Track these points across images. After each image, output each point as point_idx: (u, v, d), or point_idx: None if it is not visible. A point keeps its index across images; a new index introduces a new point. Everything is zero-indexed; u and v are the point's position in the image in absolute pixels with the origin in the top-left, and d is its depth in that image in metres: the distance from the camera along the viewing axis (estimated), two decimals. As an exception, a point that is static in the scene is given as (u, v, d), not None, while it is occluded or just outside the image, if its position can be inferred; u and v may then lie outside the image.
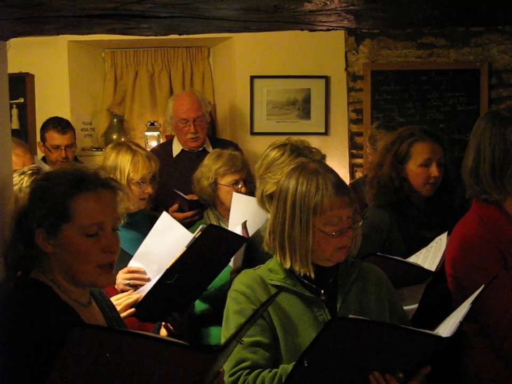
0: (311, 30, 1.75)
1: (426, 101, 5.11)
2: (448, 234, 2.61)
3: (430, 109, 5.13)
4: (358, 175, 5.01)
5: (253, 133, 5.07)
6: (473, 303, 1.84)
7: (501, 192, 2.30)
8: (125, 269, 2.62)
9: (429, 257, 2.62)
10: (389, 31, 5.00)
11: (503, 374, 2.27)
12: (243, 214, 2.89)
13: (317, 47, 4.92)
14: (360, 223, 2.06)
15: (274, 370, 1.91)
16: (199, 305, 2.94)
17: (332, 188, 1.96)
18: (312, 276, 2.00)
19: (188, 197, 3.65)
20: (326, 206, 1.96)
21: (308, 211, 1.97)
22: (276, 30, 1.79)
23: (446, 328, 1.79)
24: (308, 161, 2.13)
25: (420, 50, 5.10)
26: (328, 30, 1.71)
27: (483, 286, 1.90)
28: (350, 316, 1.77)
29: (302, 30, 1.76)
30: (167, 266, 2.34)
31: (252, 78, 5.01)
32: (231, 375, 1.92)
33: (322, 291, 2.03)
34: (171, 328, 2.51)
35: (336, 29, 1.78)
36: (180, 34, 1.74)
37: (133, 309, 2.39)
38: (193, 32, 1.72)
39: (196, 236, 2.35)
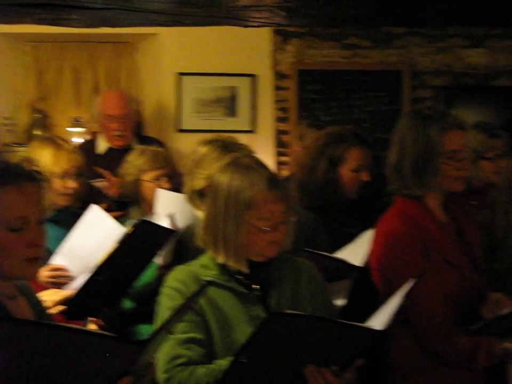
0: (244, 26, 1.76)
1: (350, 101, 5.21)
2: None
3: (354, 109, 5.23)
4: (284, 173, 5.06)
5: (179, 130, 5.05)
6: (405, 296, 1.89)
7: (422, 188, 2.38)
8: (47, 267, 2.56)
9: (354, 252, 2.68)
10: (315, 30, 5.07)
11: (427, 364, 2.34)
12: (168, 209, 2.88)
13: (244, 45, 4.94)
14: (293, 219, 2.08)
15: (209, 366, 1.91)
16: (126, 303, 2.92)
17: (265, 183, 1.98)
18: (246, 271, 2.02)
19: (114, 195, 3.61)
20: (259, 201, 1.97)
21: (241, 206, 1.97)
22: (209, 25, 1.80)
23: (379, 321, 1.83)
24: (241, 157, 2.14)
25: (345, 50, 5.19)
26: (260, 26, 1.73)
27: (415, 279, 1.95)
28: (287, 311, 1.79)
29: (235, 25, 1.77)
30: (98, 263, 2.31)
31: (179, 75, 4.99)
32: (165, 372, 1.91)
33: (255, 286, 2.05)
34: (101, 323, 2.48)
35: (269, 25, 1.80)
36: (112, 27, 1.72)
37: (63, 306, 2.35)
38: (126, 25, 1.71)
39: (129, 232, 2.33)
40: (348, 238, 2.91)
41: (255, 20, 1.46)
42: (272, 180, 2.01)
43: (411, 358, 2.37)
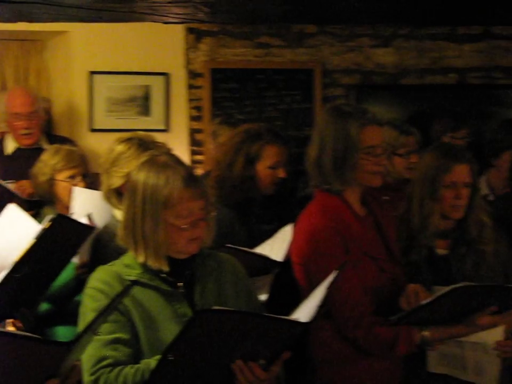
0: (164, 22, 1.75)
1: (263, 99, 5.25)
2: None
3: (267, 107, 5.27)
4: (199, 171, 5.05)
5: (92, 130, 4.95)
6: (328, 288, 1.92)
7: (342, 183, 2.42)
8: None
9: (274, 248, 2.70)
10: (228, 29, 5.08)
11: (349, 355, 2.39)
12: (85, 208, 2.83)
13: (157, 44, 4.90)
14: (213, 214, 2.08)
15: (136, 366, 1.88)
16: (42, 305, 2.85)
17: (182, 181, 1.96)
18: (166, 269, 2.00)
19: (24, 196, 3.52)
20: (176, 199, 1.95)
21: (158, 204, 1.95)
22: (129, 21, 1.77)
23: (304, 313, 1.85)
24: (158, 154, 2.12)
25: (257, 49, 5.22)
26: (182, 22, 1.71)
27: (337, 271, 1.98)
28: (215, 307, 1.79)
29: (156, 21, 1.75)
30: (16, 259, 2.24)
31: (90, 73, 4.89)
32: (91, 374, 1.87)
33: (180, 284, 2.03)
34: (19, 324, 2.40)
35: (191, 22, 1.79)
36: (30, 22, 1.67)
37: None
38: (45, 19, 1.67)
39: (45, 227, 2.27)
40: (264, 234, 2.94)
41: (177, 16, 1.45)
42: (190, 177, 2.00)
43: (333, 349, 2.41)
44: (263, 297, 2.56)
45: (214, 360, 1.80)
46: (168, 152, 2.30)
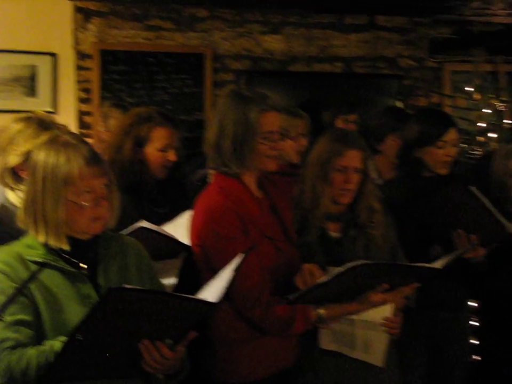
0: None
1: (154, 82, 5.23)
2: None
3: (158, 90, 5.25)
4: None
5: (-25, 110, 4.76)
6: (235, 270, 1.95)
7: (240, 166, 2.46)
8: None
9: (178, 232, 2.69)
10: (117, 10, 5.01)
11: (247, 335, 2.44)
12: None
13: (43, 23, 4.78)
14: (117, 194, 2.07)
15: (39, 347, 1.85)
16: None
17: (83, 158, 1.94)
18: (67, 249, 1.97)
19: None
20: (77, 176, 1.93)
21: (59, 182, 1.93)
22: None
23: (211, 293, 1.88)
24: (60, 134, 2.08)
25: (148, 32, 5.19)
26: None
27: (244, 253, 2.02)
28: (126, 286, 1.78)
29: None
30: None
31: (-28, 51, 4.70)
32: None
33: (83, 265, 2.01)
34: None
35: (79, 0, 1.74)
36: None
37: None
38: None
39: None
40: (157, 218, 2.93)
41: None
42: (92, 155, 1.98)
43: (231, 328, 2.45)
44: (172, 281, 2.56)
45: (121, 340, 1.79)
46: (70, 132, 2.26)
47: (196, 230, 2.47)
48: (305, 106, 4.11)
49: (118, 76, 5.11)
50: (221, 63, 5.43)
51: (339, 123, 4.31)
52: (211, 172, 2.62)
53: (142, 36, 5.17)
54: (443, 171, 3.11)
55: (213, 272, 2.16)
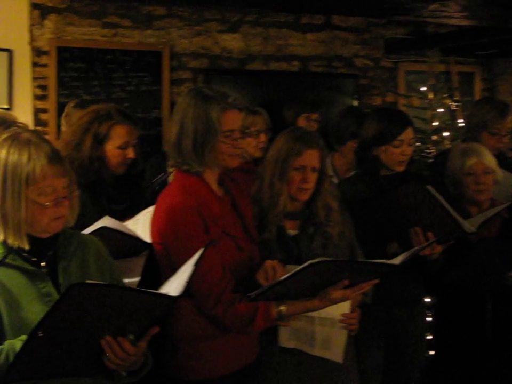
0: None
1: (111, 80, 5.20)
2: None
3: (115, 88, 5.22)
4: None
5: None
6: (195, 264, 1.97)
7: (201, 164, 2.47)
8: None
9: (138, 229, 2.69)
10: (74, 7, 4.97)
11: (209, 332, 2.45)
12: None
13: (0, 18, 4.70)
14: (76, 193, 2.06)
15: None
16: None
17: (45, 158, 1.93)
18: (26, 247, 1.96)
19: None
20: (38, 175, 1.92)
21: (20, 181, 1.91)
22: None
23: (172, 288, 1.89)
24: (21, 131, 2.06)
25: (105, 29, 5.15)
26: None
27: (203, 248, 2.03)
28: (88, 281, 1.78)
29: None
30: None
31: None
32: None
33: (43, 263, 2.00)
34: None
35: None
36: None
37: None
38: None
39: None
40: (116, 214, 2.93)
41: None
42: (54, 155, 1.97)
43: (192, 326, 2.46)
44: (135, 279, 2.56)
45: (83, 336, 1.79)
46: (31, 130, 2.24)
47: (158, 228, 2.47)
48: (267, 105, 4.14)
49: (75, 73, 5.07)
50: (178, 61, 5.43)
51: (301, 122, 4.35)
52: (172, 170, 2.63)
53: (99, 33, 5.14)
54: (399, 169, 3.16)
55: (174, 270, 2.16)
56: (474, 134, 3.91)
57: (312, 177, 2.70)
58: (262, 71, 5.70)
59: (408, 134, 3.15)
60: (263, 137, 3.63)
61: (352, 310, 2.60)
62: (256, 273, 2.45)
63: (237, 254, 2.49)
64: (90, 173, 2.99)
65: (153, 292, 1.83)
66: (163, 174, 3.41)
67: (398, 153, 3.14)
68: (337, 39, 5.99)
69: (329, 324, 2.58)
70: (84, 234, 2.20)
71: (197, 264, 1.96)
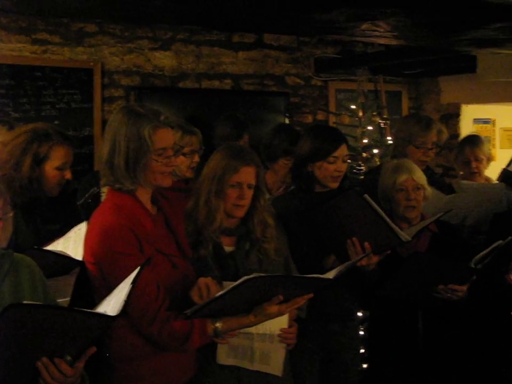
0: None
1: (41, 97, 5.11)
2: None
3: (45, 105, 5.13)
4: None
5: None
6: (133, 283, 1.95)
7: (134, 183, 2.46)
8: None
9: (69, 247, 2.66)
10: (2, 23, 4.88)
11: (145, 351, 2.43)
12: None
13: None
14: (10, 214, 2.02)
15: None
16: None
17: None
18: None
19: None
20: None
21: None
22: None
23: (110, 307, 1.86)
24: None
25: (35, 45, 5.07)
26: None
27: (139, 268, 2.02)
28: (25, 302, 1.74)
29: None
30: None
31: None
32: None
33: None
34: None
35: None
36: None
37: None
38: None
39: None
40: (50, 235, 2.90)
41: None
42: None
43: (128, 345, 2.43)
44: (65, 298, 2.51)
45: (19, 358, 1.76)
46: None
47: (91, 248, 2.44)
48: (195, 121, 4.12)
49: (3, 90, 4.96)
50: (110, 79, 5.39)
51: None
52: (104, 189, 2.61)
53: (28, 50, 5.05)
54: (334, 185, 3.22)
55: (109, 290, 2.14)
56: (401, 148, 4.01)
57: (248, 194, 2.73)
58: (194, 89, 5.71)
59: (342, 150, 3.21)
60: (196, 157, 3.65)
61: (290, 325, 2.62)
62: (191, 290, 2.45)
63: (171, 272, 2.48)
64: (27, 193, 2.97)
65: (91, 312, 1.81)
66: (95, 188, 3.39)
67: (332, 170, 3.19)
68: (269, 58, 6.06)
69: (268, 340, 2.60)
70: (16, 254, 2.15)
71: (134, 282, 1.95)
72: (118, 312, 1.82)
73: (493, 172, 4.85)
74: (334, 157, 3.19)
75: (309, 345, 3.13)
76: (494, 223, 3.54)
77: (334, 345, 3.26)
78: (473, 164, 4.58)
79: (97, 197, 3.29)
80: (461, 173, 4.66)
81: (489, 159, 4.71)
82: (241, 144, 4.41)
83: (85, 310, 1.79)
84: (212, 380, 2.65)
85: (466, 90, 6.62)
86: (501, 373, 3.49)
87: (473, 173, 4.59)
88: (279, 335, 2.58)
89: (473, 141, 4.72)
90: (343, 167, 3.23)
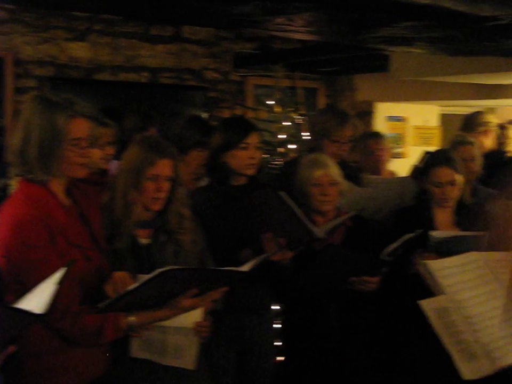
0: None
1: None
2: None
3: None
4: None
5: None
6: (59, 283, 1.91)
7: (47, 173, 2.40)
8: None
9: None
10: None
11: (57, 346, 2.39)
12: None
13: None
14: None
15: None
16: None
17: None
18: None
19: None
20: None
21: None
22: None
23: (33, 306, 1.81)
24: None
25: None
26: None
27: (65, 267, 1.99)
28: None
29: None
30: None
31: None
32: None
33: None
34: None
35: None
36: None
37: None
38: None
39: None
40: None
41: None
42: None
43: (39, 340, 2.38)
44: None
45: None
46: None
47: (1, 241, 2.37)
48: (107, 113, 4.04)
49: None
50: (23, 69, 5.25)
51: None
52: (15, 179, 2.54)
53: None
54: (249, 172, 3.22)
55: (20, 284, 2.10)
56: (317, 141, 4.07)
57: (166, 186, 2.71)
58: (111, 81, 5.63)
59: (254, 137, 3.24)
60: (110, 150, 3.60)
61: (204, 318, 2.62)
62: (105, 284, 2.41)
63: (84, 265, 2.44)
64: None
65: (15, 308, 1.76)
66: (4, 179, 3.30)
67: (246, 157, 3.20)
68: (187, 52, 6.03)
69: (182, 333, 2.59)
70: None
71: (61, 283, 1.90)
72: (43, 311, 1.77)
73: (404, 169, 4.99)
74: (246, 143, 3.21)
75: (224, 337, 3.14)
76: (398, 217, 3.64)
77: (249, 337, 3.28)
78: (378, 153, 4.75)
79: (5, 189, 3.20)
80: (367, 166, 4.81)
81: (390, 154, 4.95)
82: None
83: (8, 305, 1.74)
84: (125, 373, 2.63)
85: (379, 89, 6.79)
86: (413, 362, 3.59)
87: (378, 162, 4.75)
88: (193, 329, 2.58)
89: (375, 134, 5.07)
90: (257, 154, 3.24)
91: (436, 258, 3.16)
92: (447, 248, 3.19)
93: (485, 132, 4.72)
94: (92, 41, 5.52)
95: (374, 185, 4.15)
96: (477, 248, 3.23)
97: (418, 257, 3.23)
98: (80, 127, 2.43)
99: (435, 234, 3.25)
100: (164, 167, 2.70)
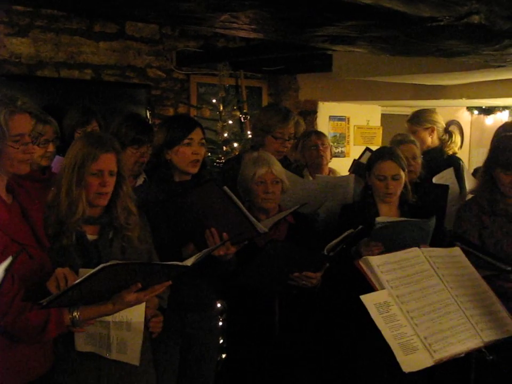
0: None
1: None
2: None
3: None
4: None
5: None
6: (6, 270, 1.90)
7: None
8: None
9: None
10: None
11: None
12: None
13: None
14: None
15: None
16: None
17: None
18: None
19: None
20: None
21: None
22: None
23: None
24: None
25: None
26: None
27: (11, 257, 1.97)
28: None
29: None
30: None
31: None
32: None
33: None
34: None
35: None
36: None
37: None
38: None
39: None
40: None
41: None
42: None
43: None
44: None
45: None
46: None
47: None
48: (49, 110, 4.00)
49: None
50: None
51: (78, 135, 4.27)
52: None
53: None
54: (193, 170, 3.22)
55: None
56: (259, 138, 4.10)
57: (110, 181, 2.71)
58: (53, 78, 5.55)
59: (197, 133, 3.24)
60: (51, 147, 3.58)
61: (156, 314, 2.67)
62: (48, 281, 2.40)
63: (27, 262, 2.43)
64: None
65: None
66: None
67: (189, 153, 3.20)
68: (131, 49, 6.00)
69: (125, 328, 2.60)
70: None
71: (8, 270, 1.90)
72: None
73: (346, 168, 5.08)
74: (189, 139, 3.20)
75: (168, 334, 3.15)
76: (343, 214, 3.71)
77: (192, 335, 3.29)
78: (320, 148, 4.83)
79: None
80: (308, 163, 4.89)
81: (332, 152, 5.04)
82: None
83: None
84: (72, 368, 2.62)
85: (322, 88, 6.87)
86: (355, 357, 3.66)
87: (320, 158, 4.82)
88: (143, 324, 2.59)
89: (317, 132, 5.14)
90: (200, 150, 3.24)
91: (381, 247, 3.26)
92: (392, 234, 3.27)
93: (430, 130, 4.83)
94: (34, 37, 5.43)
95: (316, 183, 4.21)
96: (421, 234, 3.34)
97: (363, 247, 3.31)
98: (22, 123, 2.42)
99: (380, 219, 3.32)
100: (107, 162, 2.69)
